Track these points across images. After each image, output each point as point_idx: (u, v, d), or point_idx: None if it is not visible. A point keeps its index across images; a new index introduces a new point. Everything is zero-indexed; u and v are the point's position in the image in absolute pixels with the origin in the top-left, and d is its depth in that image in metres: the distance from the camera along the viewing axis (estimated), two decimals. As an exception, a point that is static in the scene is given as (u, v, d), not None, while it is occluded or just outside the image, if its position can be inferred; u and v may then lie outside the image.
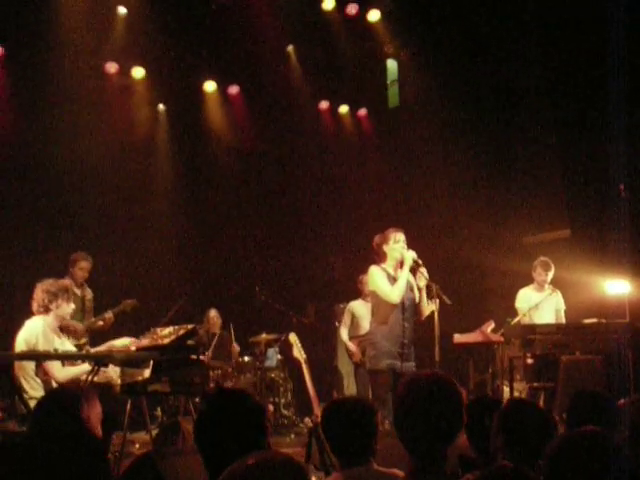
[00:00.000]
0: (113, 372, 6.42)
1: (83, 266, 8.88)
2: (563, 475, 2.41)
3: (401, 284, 7.12)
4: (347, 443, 3.55)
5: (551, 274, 8.92)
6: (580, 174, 10.67)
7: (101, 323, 8.78)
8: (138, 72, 11.53)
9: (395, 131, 13.43)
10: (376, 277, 7.23)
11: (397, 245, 7.22)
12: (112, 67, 11.28)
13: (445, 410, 2.82)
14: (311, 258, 12.80)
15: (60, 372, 6.18)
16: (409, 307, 7.21)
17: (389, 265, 7.29)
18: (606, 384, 7.80)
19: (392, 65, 13.56)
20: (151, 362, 6.19)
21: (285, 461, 1.96)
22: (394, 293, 7.10)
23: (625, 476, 2.32)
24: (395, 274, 7.23)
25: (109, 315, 8.84)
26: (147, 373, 6.24)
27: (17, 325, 6.64)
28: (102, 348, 6.40)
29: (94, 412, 3.10)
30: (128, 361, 6.22)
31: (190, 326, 6.66)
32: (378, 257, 7.41)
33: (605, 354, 8.00)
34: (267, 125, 12.63)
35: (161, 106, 12.23)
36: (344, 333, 9.86)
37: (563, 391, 7.85)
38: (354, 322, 9.82)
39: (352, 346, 9.63)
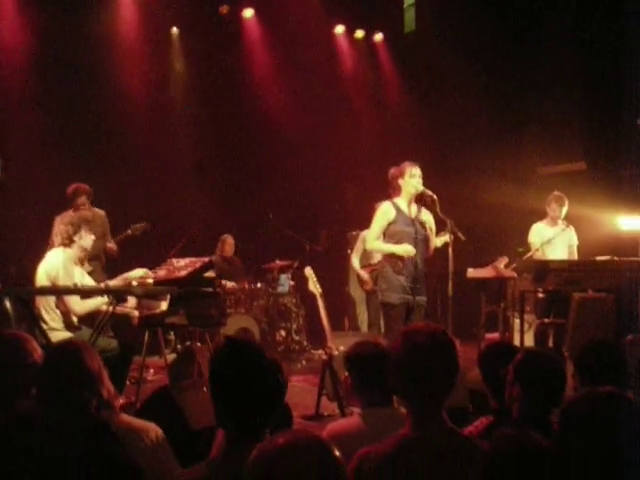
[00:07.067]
0: (130, 303, 6.50)
1: (84, 201, 8.38)
2: (577, 434, 2.48)
3: (384, 248, 7.17)
4: (371, 385, 3.61)
5: (565, 209, 8.78)
6: (597, 106, 10.56)
7: (129, 232, 8.86)
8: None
9: (411, 57, 13.29)
10: (378, 216, 7.17)
11: (412, 180, 7.05)
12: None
13: (441, 365, 2.83)
14: (325, 184, 12.74)
15: (78, 305, 6.26)
16: (421, 242, 7.12)
17: (403, 199, 7.12)
18: (616, 322, 7.86)
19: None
20: (168, 295, 6.28)
21: (313, 441, 1.99)
22: (372, 243, 7.25)
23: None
24: (408, 209, 7.11)
25: (137, 226, 8.91)
26: (164, 306, 6.34)
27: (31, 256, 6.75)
28: (118, 281, 6.45)
29: (95, 363, 3.20)
30: (146, 295, 6.31)
31: (206, 259, 6.72)
32: (392, 190, 7.30)
33: (616, 292, 8.00)
34: (281, 49, 12.49)
35: (175, 29, 12.10)
36: (356, 261, 9.80)
37: (574, 329, 7.93)
38: (366, 250, 9.80)
39: (364, 274, 9.58)
